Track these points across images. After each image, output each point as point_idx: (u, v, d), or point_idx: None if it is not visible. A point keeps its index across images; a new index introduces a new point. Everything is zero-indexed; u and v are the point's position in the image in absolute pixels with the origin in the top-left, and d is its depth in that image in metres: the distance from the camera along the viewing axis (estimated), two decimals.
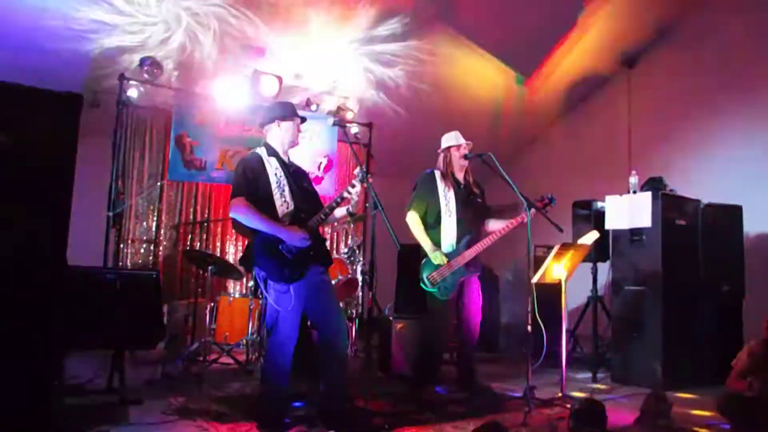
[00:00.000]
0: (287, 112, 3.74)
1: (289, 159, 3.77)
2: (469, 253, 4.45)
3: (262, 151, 3.68)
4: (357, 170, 3.57)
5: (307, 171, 4.04)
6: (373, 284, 3.86)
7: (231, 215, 3.58)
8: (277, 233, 3.44)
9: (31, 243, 2.30)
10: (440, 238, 4.49)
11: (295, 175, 3.71)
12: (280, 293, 3.44)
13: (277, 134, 3.71)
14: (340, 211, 3.67)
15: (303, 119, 3.82)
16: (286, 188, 3.58)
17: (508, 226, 4.43)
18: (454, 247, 4.48)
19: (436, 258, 4.40)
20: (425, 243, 4.47)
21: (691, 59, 7.58)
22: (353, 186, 3.54)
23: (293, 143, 3.75)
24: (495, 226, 4.58)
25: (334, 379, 3.57)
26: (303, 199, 3.64)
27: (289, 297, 3.43)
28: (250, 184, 3.53)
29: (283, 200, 3.55)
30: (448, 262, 4.40)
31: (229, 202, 3.56)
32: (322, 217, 3.58)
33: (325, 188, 7.52)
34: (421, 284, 4.45)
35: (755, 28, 6.94)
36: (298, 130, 3.78)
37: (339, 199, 3.57)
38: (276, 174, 3.59)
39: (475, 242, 4.48)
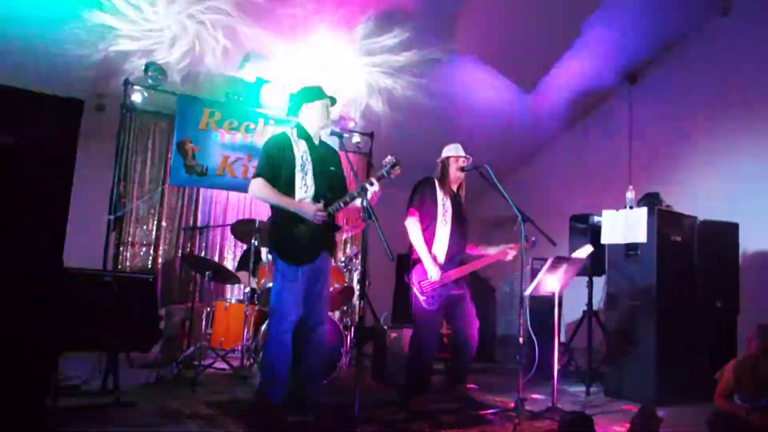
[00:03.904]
0: (313, 95, 3.79)
1: (320, 141, 3.81)
2: (460, 272, 4.50)
3: (291, 132, 3.74)
4: (387, 159, 3.60)
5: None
6: (363, 293, 3.87)
7: (249, 194, 3.72)
8: (292, 209, 3.51)
9: (28, 243, 2.34)
10: (431, 245, 4.46)
11: (322, 158, 3.74)
12: (287, 274, 3.49)
13: (306, 117, 3.77)
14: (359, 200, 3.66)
15: (333, 100, 3.83)
16: (309, 172, 3.62)
17: (498, 254, 4.56)
18: (445, 256, 4.46)
19: (433, 274, 4.36)
20: (425, 255, 4.39)
21: (692, 76, 7.61)
22: (380, 177, 3.58)
23: (324, 124, 3.79)
24: (487, 250, 4.67)
25: (310, 366, 3.60)
26: (325, 184, 3.68)
27: (296, 278, 3.49)
28: (273, 165, 3.61)
29: (303, 183, 3.61)
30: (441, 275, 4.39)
31: (250, 181, 3.64)
32: (341, 204, 3.61)
33: None
34: (414, 289, 4.43)
35: (758, 46, 6.98)
36: (327, 111, 3.80)
37: (361, 190, 3.55)
38: (302, 157, 3.64)
39: (461, 256, 4.55)
